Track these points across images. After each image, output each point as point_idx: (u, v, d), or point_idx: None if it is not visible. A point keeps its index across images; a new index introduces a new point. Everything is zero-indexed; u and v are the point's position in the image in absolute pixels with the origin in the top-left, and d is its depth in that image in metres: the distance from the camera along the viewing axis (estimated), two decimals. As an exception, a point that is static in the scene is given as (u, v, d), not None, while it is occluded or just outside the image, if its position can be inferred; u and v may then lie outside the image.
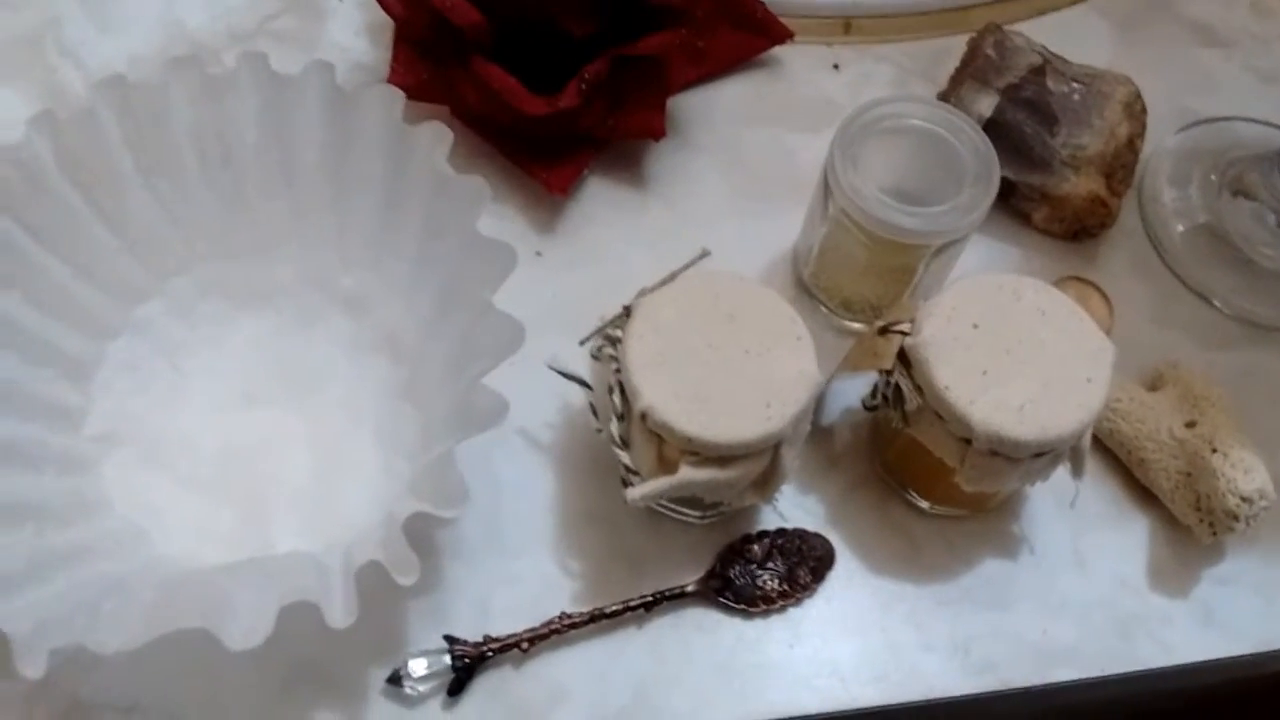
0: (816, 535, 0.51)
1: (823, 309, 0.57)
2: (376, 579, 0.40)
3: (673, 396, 0.44)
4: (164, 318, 0.52)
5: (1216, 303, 0.60)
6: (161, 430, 0.50)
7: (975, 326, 0.46)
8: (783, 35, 0.64)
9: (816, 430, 0.54)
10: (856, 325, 0.57)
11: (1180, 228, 0.61)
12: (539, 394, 0.52)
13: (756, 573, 0.50)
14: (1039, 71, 0.58)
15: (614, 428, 0.46)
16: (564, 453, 0.52)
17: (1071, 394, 0.45)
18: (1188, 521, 0.52)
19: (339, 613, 0.39)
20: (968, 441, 0.45)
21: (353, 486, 0.49)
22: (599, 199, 0.60)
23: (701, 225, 0.59)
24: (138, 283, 0.52)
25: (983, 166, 0.51)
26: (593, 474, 0.51)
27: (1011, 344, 0.46)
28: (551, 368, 0.49)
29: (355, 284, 0.53)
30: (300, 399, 0.51)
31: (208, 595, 0.41)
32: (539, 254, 0.58)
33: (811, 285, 0.57)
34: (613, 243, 0.58)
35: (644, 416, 0.44)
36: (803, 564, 0.50)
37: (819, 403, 0.54)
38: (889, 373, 0.48)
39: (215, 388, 0.52)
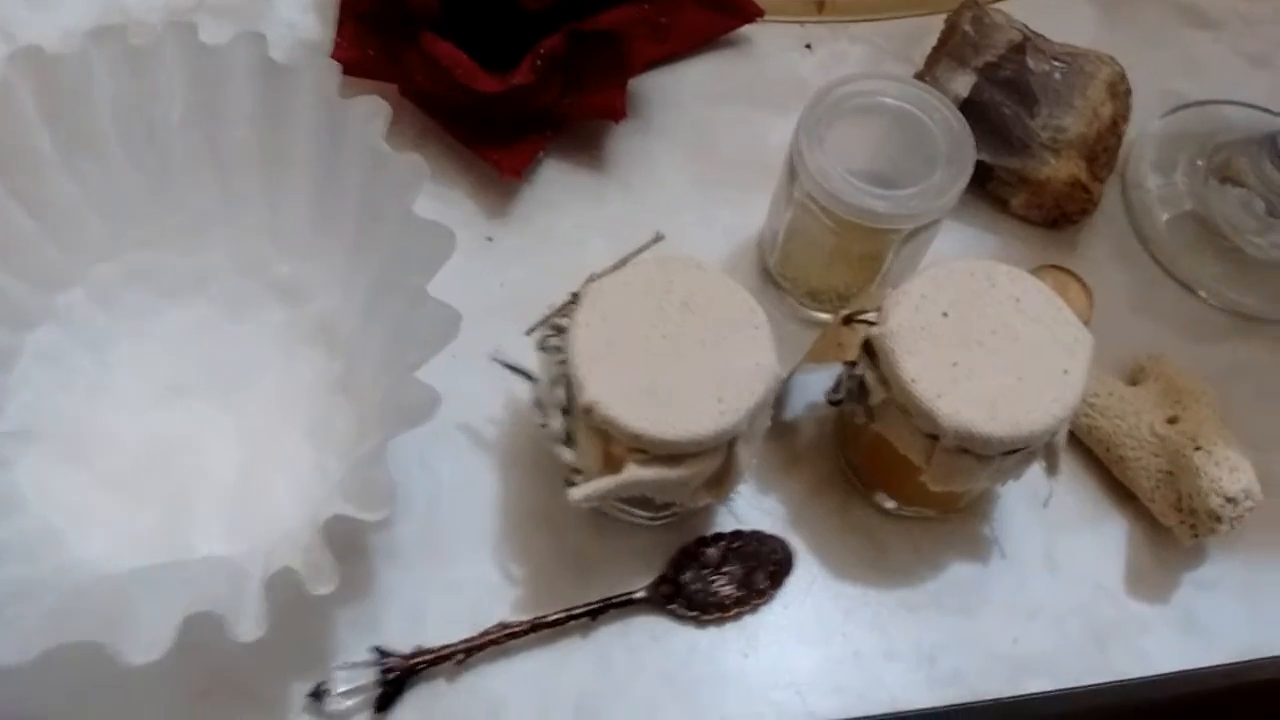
0: (775, 538, 0.48)
1: (789, 299, 0.54)
2: (296, 587, 0.38)
3: (619, 390, 0.41)
4: (86, 306, 0.49)
5: (1202, 293, 0.57)
6: (82, 425, 0.47)
7: (945, 315, 0.43)
8: (753, 13, 0.61)
9: (778, 426, 0.51)
10: (824, 316, 0.54)
11: (1165, 215, 0.59)
12: (483, 387, 0.50)
13: (711, 578, 0.47)
14: (1019, 49, 0.55)
15: (558, 424, 0.43)
16: (508, 450, 0.49)
17: (1047, 387, 0.42)
18: (1168, 522, 0.49)
19: (248, 624, 0.36)
20: (935, 438, 0.43)
21: (282, 486, 0.46)
22: (555, 183, 0.57)
23: (663, 212, 0.56)
24: (58, 269, 0.49)
25: (957, 147, 0.48)
26: (538, 473, 0.49)
27: (983, 334, 0.43)
28: (495, 359, 0.46)
29: (290, 271, 0.50)
30: (229, 393, 0.49)
31: (111, 604, 0.38)
32: (489, 240, 0.55)
33: (777, 274, 0.54)
34: (568, 229, 0.55)
35: (588, 411, 0.41)
36: (760, 568, 0.47)
37: (781, 397, 0.51)
38: (853, 365, 0.45)
39: (140, 381, 0.49)
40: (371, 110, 0.44)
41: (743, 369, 0.42)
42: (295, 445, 0.47)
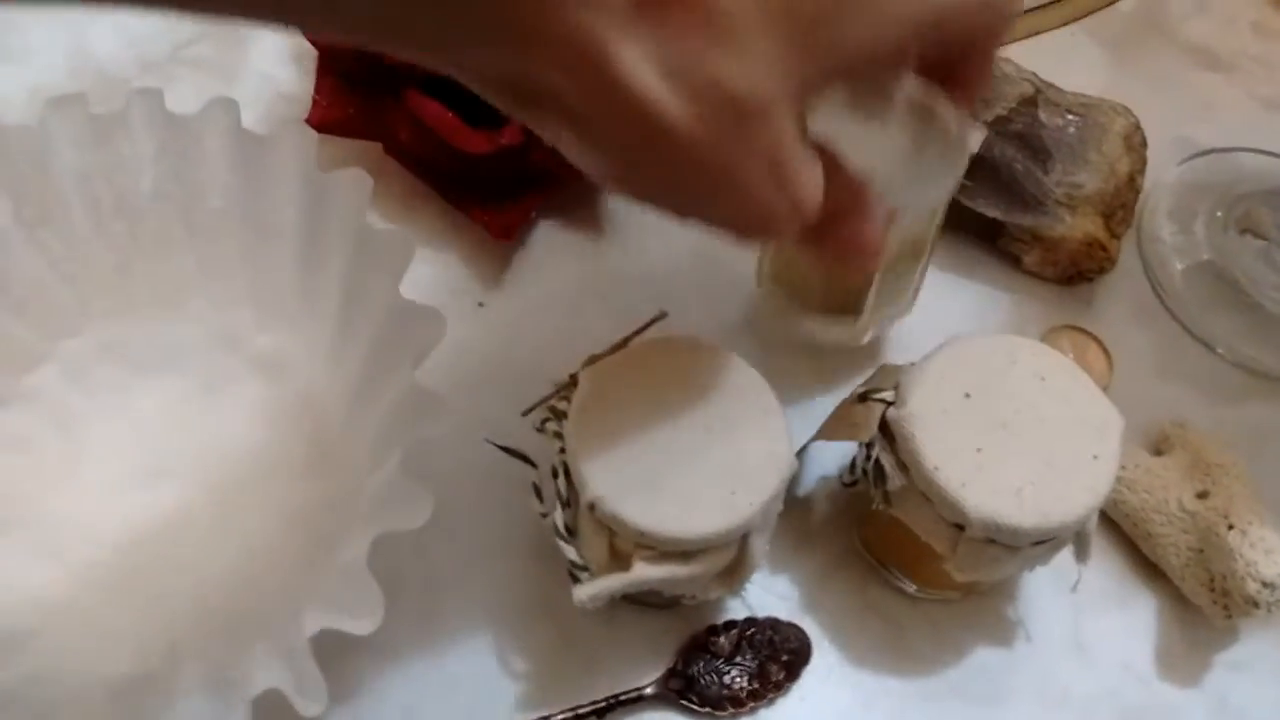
0: (790, 625, 0.46)
1: (789, 308, 0.50)
2: (283, 708, 0.35)
3: (624, 484, 0.38)
4: (57, 385, 0.47)
5: (1220, 350, 0.55)
6: (53, 514, 0.45)
7: (967, 396, 0.41)
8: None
9: (789, 502, 0.48)
10: (833, 332, 0.50)
11: (1180, 266, 0.56)
12: (479, 465, 0.47)
13: (723, 669, 0.44)
14: (1030, 102, 0.53)
15: (559, 516, 0.41)
16: (507, 534, 0.46)
17: (1076, 474, 0.40)
18: (1199, 601, 0.47)
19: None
20: (960, 527, 0.40)
21: (266, 578, 0.43)
22: (548, 244, 0.54)
23: (661, 273, 0.54)
24: (26, 347, 0.46)
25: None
26: (539, 558, 0.46)
27: (1008, 416, 0.41)
28: (490, 442, 0.44)
29: (271, 343, 0.48)
30: (208, 475, 0.46)
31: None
32: (481, 305, 0.52)
33: (773, 282, 0.51)
34: (563, 293, 0.53)
35: (592, 507, 0.38)
36: (775, 658, 0.45)
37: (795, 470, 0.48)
38: (869, 445, 0.43)
39: (114, 464, 0.46)
40: (356, 184, 0.41)
41: (755, 458, 0.39)
42: (279, 534, 0.44)
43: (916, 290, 0.49)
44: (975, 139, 0.45)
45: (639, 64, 0.27)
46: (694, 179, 0.30)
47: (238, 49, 0.57)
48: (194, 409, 0.47)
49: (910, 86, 0.37)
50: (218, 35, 0.58)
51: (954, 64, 0.35)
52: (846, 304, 0.48)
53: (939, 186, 0.43)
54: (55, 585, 0.43)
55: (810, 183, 0.31)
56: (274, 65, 0.57)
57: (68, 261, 0.45)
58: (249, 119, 0.54)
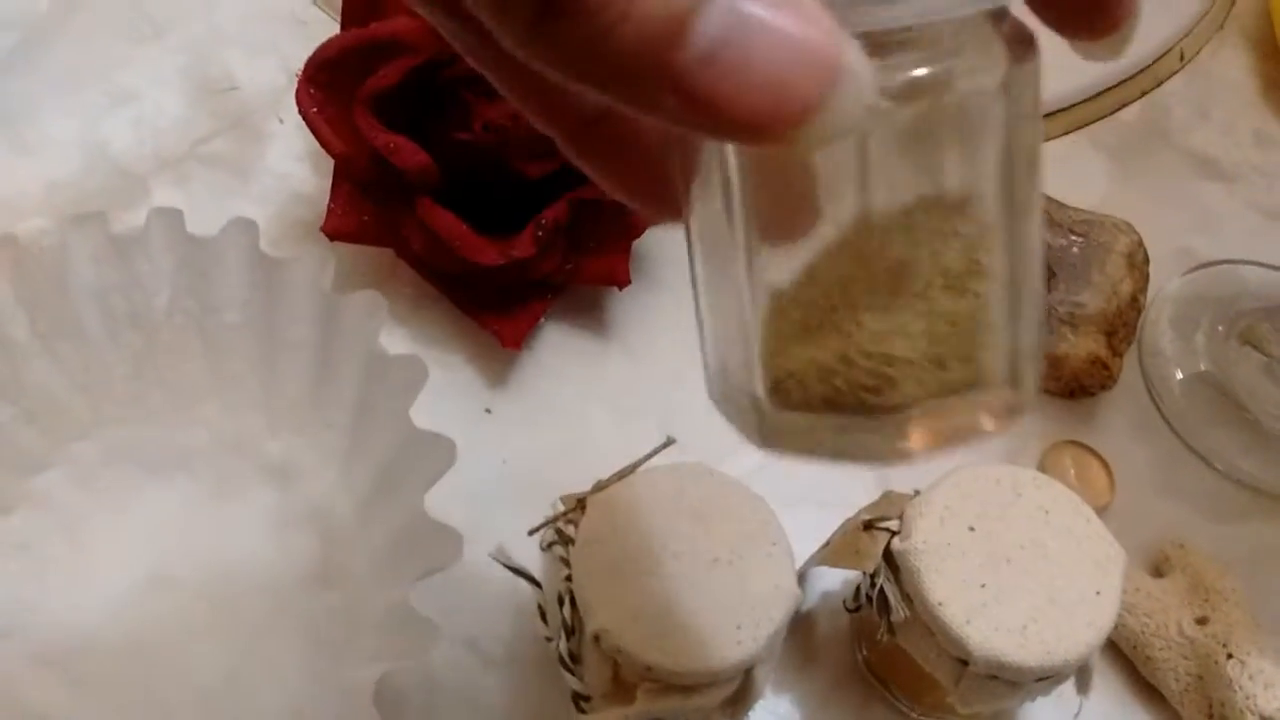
0: (790, 748, 0.46)
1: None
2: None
3: (629, 616, 0.38)
4: (64, 488, 0.47)
5: (1219, 465, 0.55)
6: (56, 620, 0.45)
7: (971, 529, 0.41)
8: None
9: (793, 618, 0.48)
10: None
11: (1180, 378, 0.57)
12: (484, 583, 0.47)
13: (724, 793, 0.44)
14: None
15: (563, 644, 0.41)
16: (512, 650, 0.47)
17: (1079, 610, 0.40)
18: (1199, 728, 0.47)
19: None
20: (964, 662, 0.40)
21: (269, 692, 0.44)
22: (556, 348, 0.54)
23: (668, 377, 0.54)
24: (35, 452, 0.46)
25: None
26: (544, 676, 0.46)
27: (1012, 550, 0.41)
28: (496, 559, 0.44)
29: (282, 449, 0.48)
30: (214, 583, 0.46)
31: None
32: (489, 411, 0.52)
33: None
34: (570, 399, 0.53)
35: (596, 638, 0.39)
36: (775, 782, 0.45)
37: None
38: (874, 574, 0.43)
39: (119, 569, 0.46)
40: (370, 308, 0.42)
41: (761, 592, 0.39)
42: (283, 645, 0.44)
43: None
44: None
45: None
46: None
47: (255, 146, 0.58)
48: (202, 514, 0.47)
49: None
50: (236, 132, 0.58)
51: None
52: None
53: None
54: (53, 695, 0.43)
55: None
56: (290, 164, 0.58)
57: (81, 371, 0.46)
58: (264, 215, 0.55)
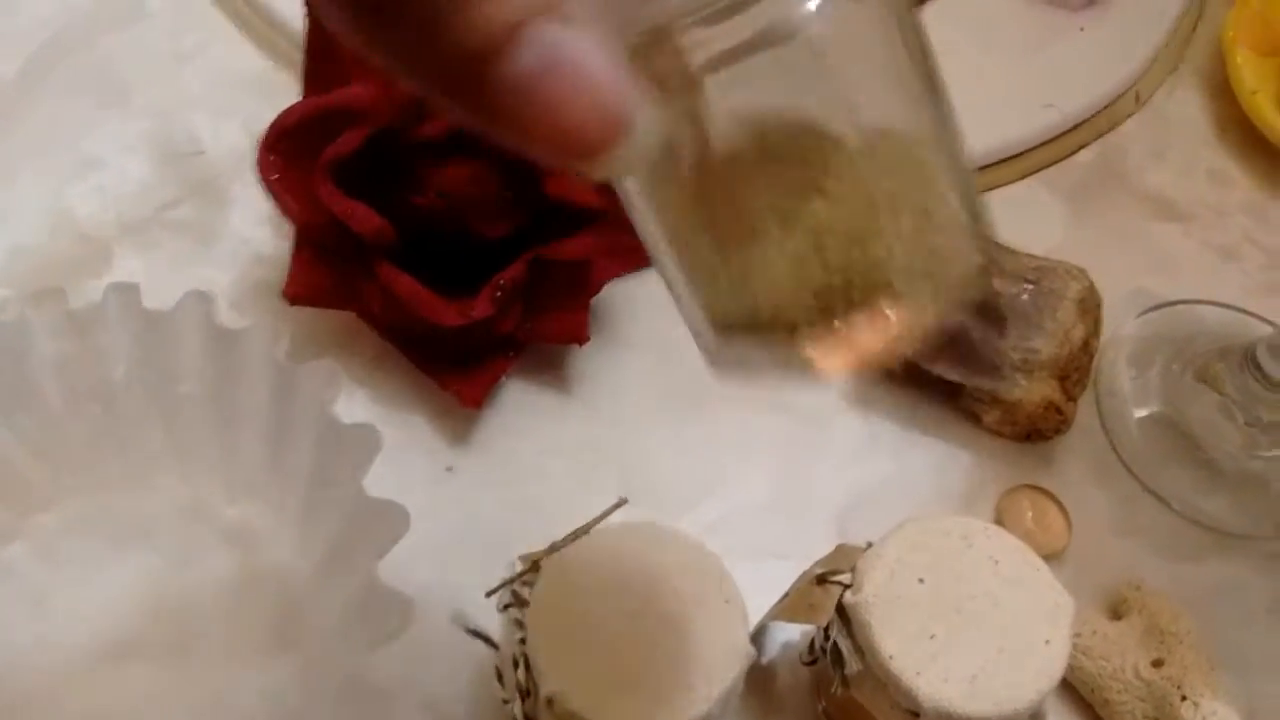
0: (752, 803, 0.46)
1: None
2: None
3: (582, 680, 0.39)
4: (26, 561, 0.47)
5: (1176, 506, 0.56)
6: (19, 692, 0.45)
7: (921, 581, 0.42)
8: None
9: (754, 671, 0.49)
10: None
11: (1136, 417, 0.58)
12: (446, 642, 0.47)
13: None
14: (983, 271, 0.54)
15: (517, 708, 0.41)
16: (474, 715, 0.47)
17: (1028, 660, 0.41)
18: (1158, 771, 0.47)
19: None
20: (915, 714, 0.41)
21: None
22: (516, 406, 0.55)
23: (629, 433, 0.55)
24: (-3, 524, 0.47)
25: None
26: (503, 735, 0.46)
27: (962, 601, 0.42)
28: (455, 623, 0.45)
29: (240, 515, 0.48)
30: (177, 649, 0.46)
31: None
32: (450, 469, 0.53)
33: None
34: (531, 455, 0.54)
35: (550, 702, 0.39)
36: (737, 838, 0.45)
37: (756, 641, 0.49)
38: (827, 628, 0.44)
39: (83, 639, 0.46)
40: (325, 378, 0.42)
41: (714, 651, 0.40)
42: (246, 711, 0.45)
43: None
44: None
45: None
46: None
47: (218, 211, 0.59)
48: (162, 580, 0.48)
49: None
50: (199, 196, 0.59)
51: None
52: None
53: None
54: (20, 768, 0.44)
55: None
56: (252, 228, 0.58)
57: (41, 441, 0.46)
58: (227, 279, 0.56)
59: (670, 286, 0.30)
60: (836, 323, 0.27)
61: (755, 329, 0.28)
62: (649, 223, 0.28)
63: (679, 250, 0.28)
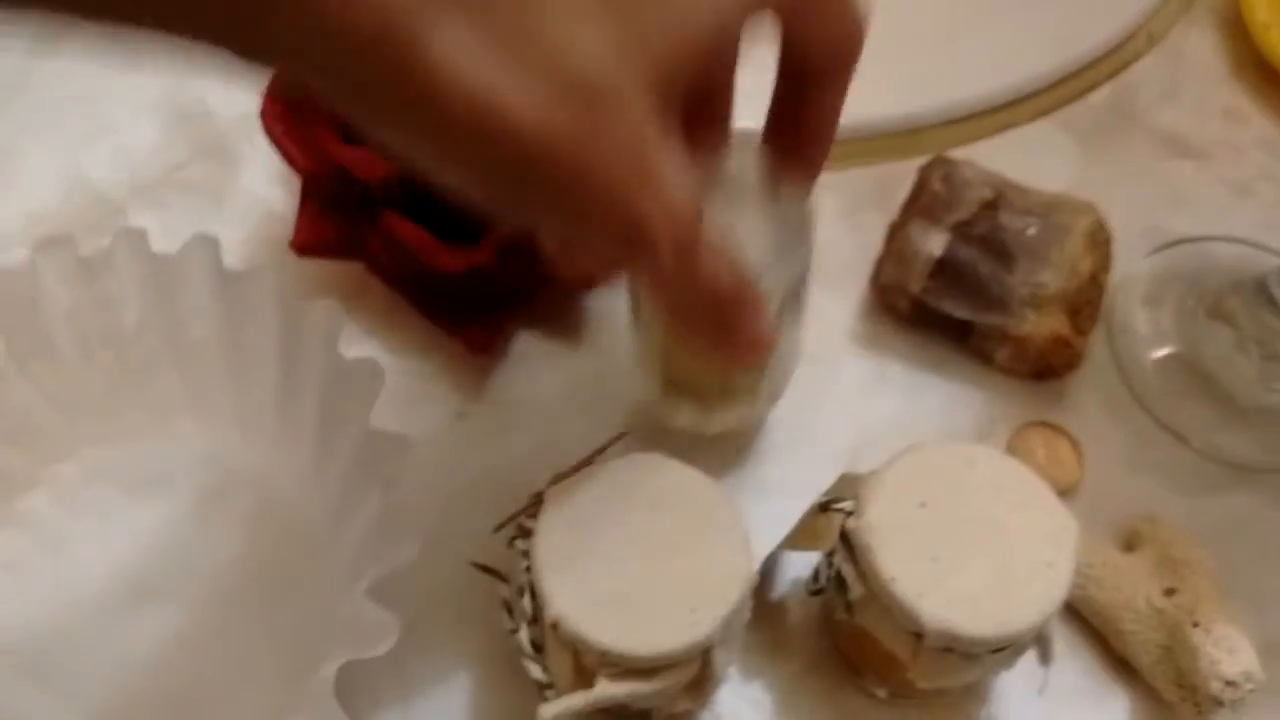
0: (761, 734, 0.46)
1: (670, 401, 0.50)
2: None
3: (586, 602, 0.39)
4: (48, 509, 0.48)
5: (1193, 442, 0.55)
6: (43, 637, 0.46)
7: (923, 506, 0.42)
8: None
9: (764, 607, 0.49)
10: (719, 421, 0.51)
11: (1152, 356, 0.57)
12: (457, 579, 0.48)
13: (696, 780, 0.45)
14: (991, 206, 0.54)
15: (525, 634, 0.42)
16: (483, 647, 0.47)
17: (1032, 581, 0.41)
18: (1170, 698, 0.47)
19: None
20: (919, 636, 0.41)
21: (249, 697, 0.45)
22: (528, 354, 0.55)
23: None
24: (17, 473, 0.48)
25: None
26: (515, 672, 0.46)
27: (964, 525, 0.42)
28: (466, 561, 0.45)
29: (256, 461, 0.49)
30: (195, 594, 0.47)
31: None
32: (460, 416, 0.54)
33: (653, 375, 0.50)
34: (543, 402, 0.54)
35: (555, 626, 0.39)
36: (747, 767, 0.45)
37: (765, 576, 0.49)
38: (831, 554, 0.44)
39: (103, 585, 0.47)
40: (327, 315, 0.43)
41: (716, 574, 0.40)
42: (263, 652, 0.46)
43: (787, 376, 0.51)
44: (815, 214, 0.42)
45: (458, 48, 0.24)
46: (548, 180, 0.26)
47: (230, 170, 0.60)
48: (181, 528, 0.48)
49: (755, 158, 0.38)
50: (209, 157, 0.60)
51: (803, 108, 0.34)
52: (729, 393, 0.49)
53: (794, 264, 0.42)
54: (42, 708, 0.44)
55: (682, 184, 0.27)
56: (263, 186, 0.59)
57: (58, 390, 0.47)
58: (238, 237, 0.57)
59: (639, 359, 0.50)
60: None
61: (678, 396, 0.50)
62: (646, 315, 0.46)
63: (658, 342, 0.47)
